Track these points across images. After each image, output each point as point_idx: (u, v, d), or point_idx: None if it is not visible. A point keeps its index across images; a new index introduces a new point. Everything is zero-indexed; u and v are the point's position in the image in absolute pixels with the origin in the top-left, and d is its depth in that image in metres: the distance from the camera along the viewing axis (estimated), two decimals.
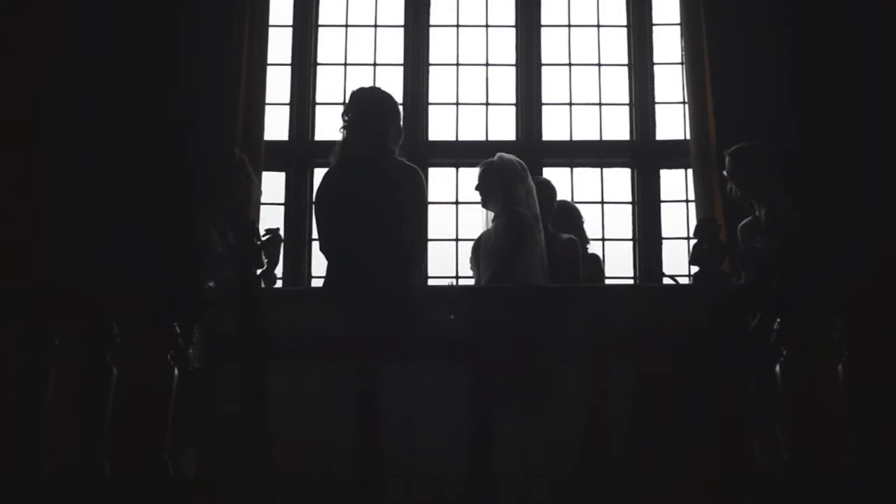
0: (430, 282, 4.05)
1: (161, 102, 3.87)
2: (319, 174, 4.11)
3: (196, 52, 3.92)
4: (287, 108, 4.24)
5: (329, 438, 2.80)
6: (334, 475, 2.76)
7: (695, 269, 3.27)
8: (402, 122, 3.18)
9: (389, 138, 3.10)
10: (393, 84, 4.27)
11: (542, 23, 4.33)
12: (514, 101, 4.29)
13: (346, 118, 3.16)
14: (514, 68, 4.30)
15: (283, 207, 4.16)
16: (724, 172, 3.47)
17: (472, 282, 3.74)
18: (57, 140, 3.85)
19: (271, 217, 4.08)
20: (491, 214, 3.63)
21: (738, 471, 2.64)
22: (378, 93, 3.20)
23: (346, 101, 3.23)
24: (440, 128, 4.27)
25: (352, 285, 2.97)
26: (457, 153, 4.25)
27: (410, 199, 3.03)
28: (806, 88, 3.91)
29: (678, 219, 4.15)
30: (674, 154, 4.18)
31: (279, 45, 4.25)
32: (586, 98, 4.32)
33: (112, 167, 3.81)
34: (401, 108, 3.20)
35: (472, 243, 3.71)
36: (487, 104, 4.31)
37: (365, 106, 3.12)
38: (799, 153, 3.75)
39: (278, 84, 4.20)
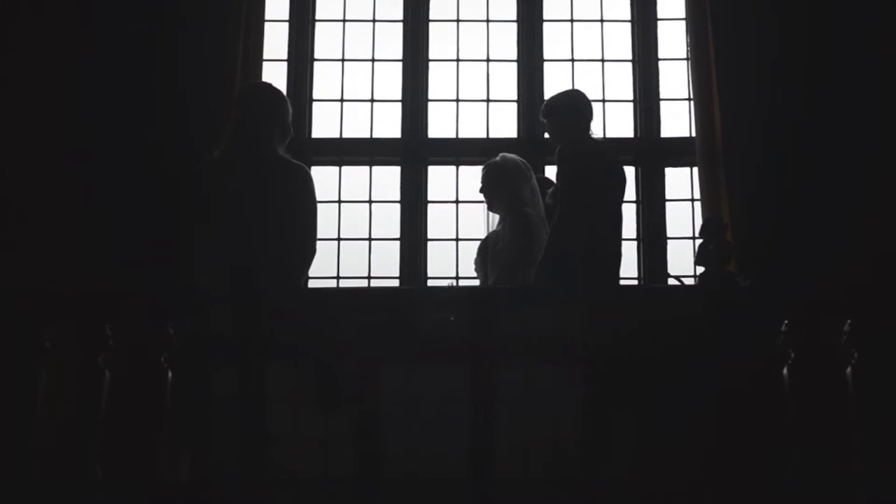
0: (430, 282, 4.02)
1: (158, 100, 3.83)
2: (317, 171, 4.09)
3: (191, 48, 3.87)
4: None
5: (327, 440, 2.76)
6: (333, 477, 2.74)
7: (700, 269, 3.24)
8: (290, 120, 3.13)
9: (276, 137, 3.06)
10: (391, 80, 4.24)
11: (545, 17, 4.28)
12: (515, 97, 4.24)
13: (233, 113, 3.13)
14: (515, 64, 4.25)
15: None
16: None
17: (472, 282, 3.70)
18: (55, 141, 3.82)
19: None
20: (494, 215, 3.59)
21: (740, 472, 2.62)
22: (266, 89, 3.16)
23: (238, 95, 3.20)
24: (440, 125, 4.22)
25: (235, 284, 2.93)
26: (457, 151, 4.19)
27: (297, 198, 2.99)
28: (812, 84, 3.86)
29: (683, 218, 4.10)
30: (679, 152, 4.13)
31: (275, 40, 4.20)
32: (590, 95, 4.19)
33: (110, 167, 3.77)
34: (289, 105, 3.15)
35: (472, 243, 3.69)
36: (488, 101, 4.26)
37: (252, 102, 3.08)
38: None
39: (275, 80, 4.13)
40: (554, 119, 3.38)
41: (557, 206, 3.24)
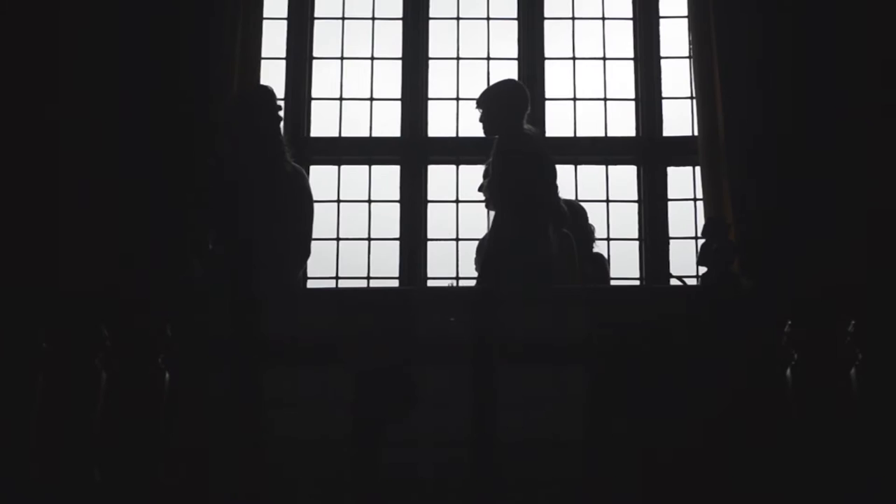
0: (430, 282, 4.00)
1: (156, 99, 3.82)
2: (315, 171, 4.09)
3: (189, 46, 3.85)
4: (282, 103, 4.17)
5: (326, 442, 2.76)
6: (331, 479, 2.73)
7: (703, 269, 3.23)
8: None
9: (283, 141, 3.16)
10: (391, 79, 4.22)
11: (545, 15, 4.25)
12: None
13: (241, 116, 3.22)
14: (515, 62, 4.23)
15: None
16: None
17: (472, 282, 3.68)
18: (55, 141, 3.81)
19: None
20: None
21: (741, 472, 2.61)
22: (271, 92, 3.26)
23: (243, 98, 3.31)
24: (440, 124, 4.20)
25: (235, 284, 2.96)
26: (457, 150, 4.17)
27: (299, 200, 3.05)
28: (816, 83, 3.84)
29: (686, 218, 4.07)
30: (681, 151, 4.10)
31: (274, 38, 4.17)
32: (591, 93, 4.25)
33: (109, 167, 3.76)
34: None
35: (472, 243, 3.67)
36: None
37: (261, 105, 3.19)
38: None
39: (273, 79, 4.12)
40: (487, 109, 3.34)
41: (490, 201, 3.20)
